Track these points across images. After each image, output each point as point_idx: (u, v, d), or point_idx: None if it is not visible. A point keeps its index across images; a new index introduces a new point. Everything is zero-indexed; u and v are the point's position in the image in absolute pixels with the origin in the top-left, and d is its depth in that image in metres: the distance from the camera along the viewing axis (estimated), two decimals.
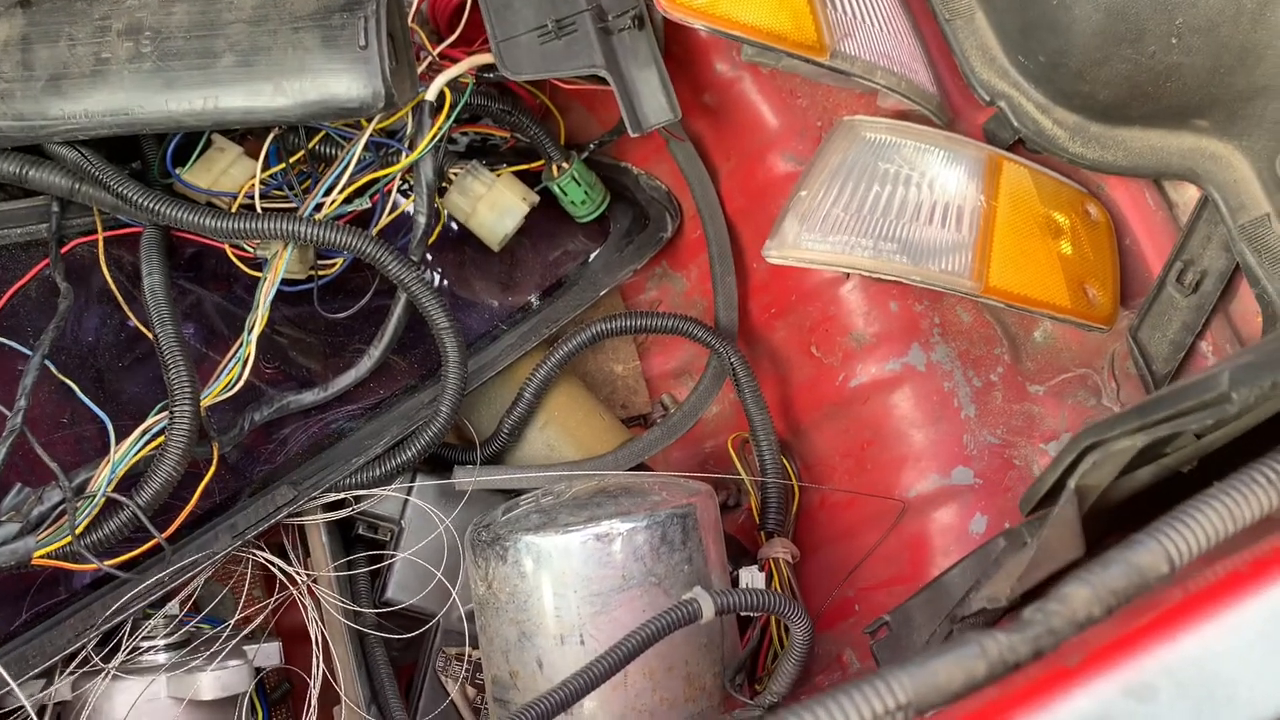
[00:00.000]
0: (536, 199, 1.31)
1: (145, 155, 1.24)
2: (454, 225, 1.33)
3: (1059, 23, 1.17)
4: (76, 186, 1.19)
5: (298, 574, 1.11)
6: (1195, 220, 1.23)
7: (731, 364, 1.27)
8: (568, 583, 1.01)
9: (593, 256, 1.37)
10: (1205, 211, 1.23)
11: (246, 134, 1.29)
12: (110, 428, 1.04)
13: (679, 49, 1.31)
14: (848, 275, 1.25)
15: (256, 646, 1.11)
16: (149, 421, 1.06)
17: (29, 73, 1.14)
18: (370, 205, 1.25)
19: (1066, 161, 1.24)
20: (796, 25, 1.13)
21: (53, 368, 1.07)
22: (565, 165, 1.33)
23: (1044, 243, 1.19)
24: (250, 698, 1.17)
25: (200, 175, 1.24)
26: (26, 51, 1.15)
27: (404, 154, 1.22)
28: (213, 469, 1.08)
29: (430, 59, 1.27)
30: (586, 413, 1.30)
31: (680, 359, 1.43)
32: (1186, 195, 1.27)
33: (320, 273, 1.24)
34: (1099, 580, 0.46)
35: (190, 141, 1.24)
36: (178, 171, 1.23)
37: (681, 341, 1.41)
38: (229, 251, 1.23)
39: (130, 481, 1.05)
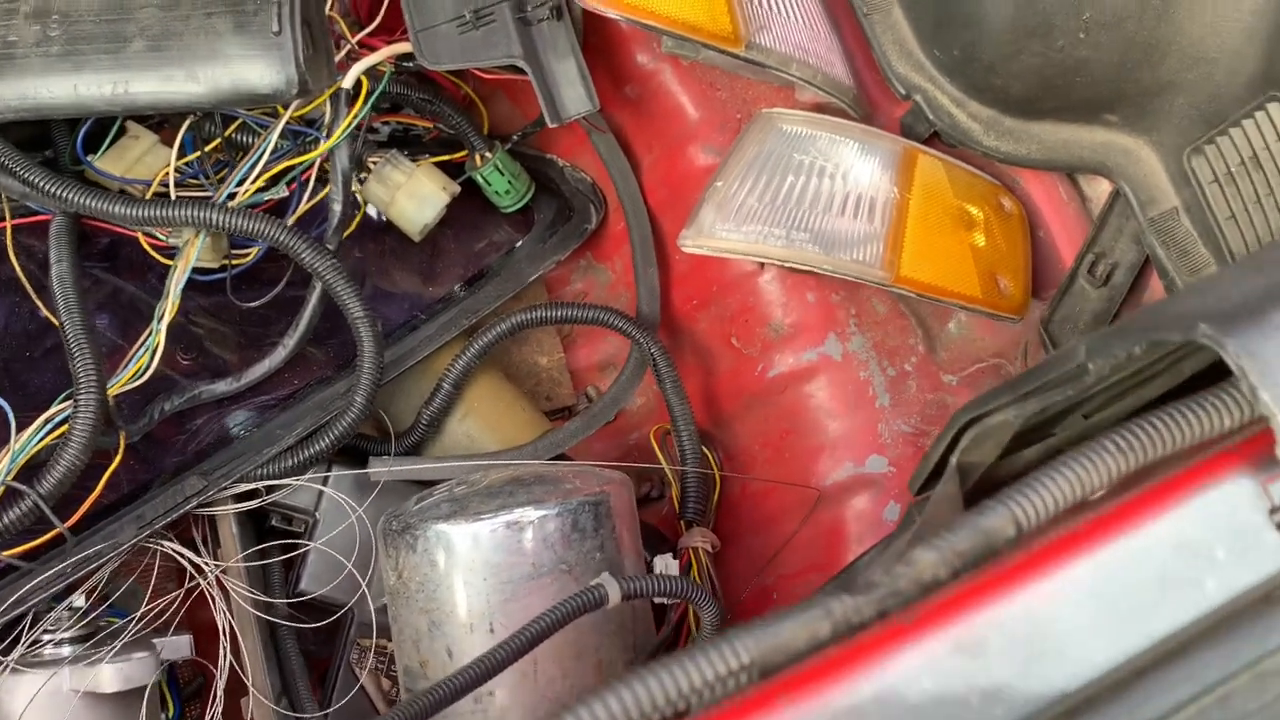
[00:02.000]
0: (457, 189, 1.30)
1: (57, 142, 1.22)
2: (375, 215, 1.32)
3: (971, 16, 1.19)
4: None
5: (206, 565, 1.09)
6: (1107, 213, 1.26)
7: (652, 354, 1.27)
8: (477, 571, 1.01)
9: (516, 247, 1.37)
10: (1117, 205, 1.25)
11: (163, 121, 1.28)
12: (10, 416, 1.02)
13: (599, 40, 1.32)
14: (763, 265, 1.26)
15: (165, 639, 1.09)
16: (52, 410, 1.04)
17: None
18: (288, 193, 1.25)
19: (981, 155, 1.26)
20: (711, 16, 1.14)
21: None
22: (488, 155, 1.32)
23: (956, 234, 1.20)
24: (161, 691, 1.16)
25: (113, 163, 1.22)
26: None
27: (321, 142, 1.21)
28: (118, 458, 1.06)
29: (349, 47, 1.26)
30: (507, 404, 1.30)
31: (605, 352, 1.43)
32: (1099, 189, 1.29)
33: (234, 262, 1.22)
34: (945, 544, 0.47)
35: (104, 129, 1.23)
36: (90, 158, 1.21)
37: (606, 334, 1.41)
38: (142, 240, 1.22)
39: (34, 471, 1.03)
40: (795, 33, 1.21)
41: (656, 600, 1.11)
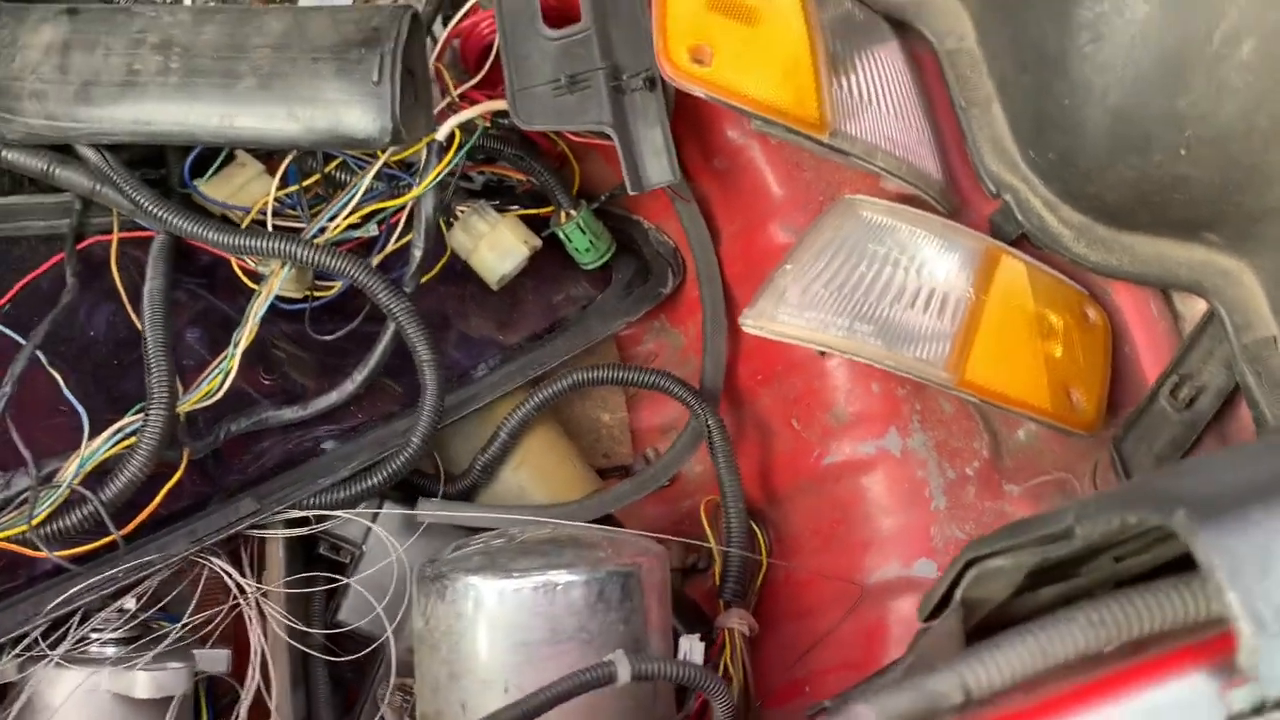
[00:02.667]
0: (538, 244, 1.33)
1: (169, 164, 1.29)
2: (459, 261, 1.35)
3: (1070, 122, 1.16)
4: (97, 187, 1.24)
5: (248, 586, 1.13)
6: (1198, 334, 1.21)
7: (708, 426, 1.27)
8: (499, 628, 1.02)
9: (592, 303, 1.38)
10: (1210, 327, 1.20)
11: (270, 153, 1.34)
12: (85, 422, 1.08)
13: (691, 113, 1.33)
14: (823, 353, 1.25)
15: (204, 651, 1.13)
16: (124, 421, 1.10)
17: (64, 76, 1.20)
18: (377, 233, 1.29)
19: (1069, 261, 1.23)
20: (799, 101, 1.14)
21: (43, 358, 1.11)
22: (573, 212, 1.35)
23: (1032, 342, 1.17)
24: (199, 701, 1.20)
25: (218, 188, 1.28)
26: (65, 56, 1.20)
27: (413, 187, 1.25)
28: (179, 473, 1.11)
29: (450, 99, 1.30)
30: (561, 459, 1.31)
31: (669, 414, 1.43)
32: (1194, 308, 1.24)
33: (316, 294, 1.27)
34: (886, 702, 0.45)
35: (214, 153, 1.29)
36: (196, 183, 1.28)
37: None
38: (234, 264, 1.27)
39: (100, 476, 1.08)
40: (884, 123, 1.20)
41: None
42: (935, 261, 1.17)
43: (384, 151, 1.24)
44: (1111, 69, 1.10)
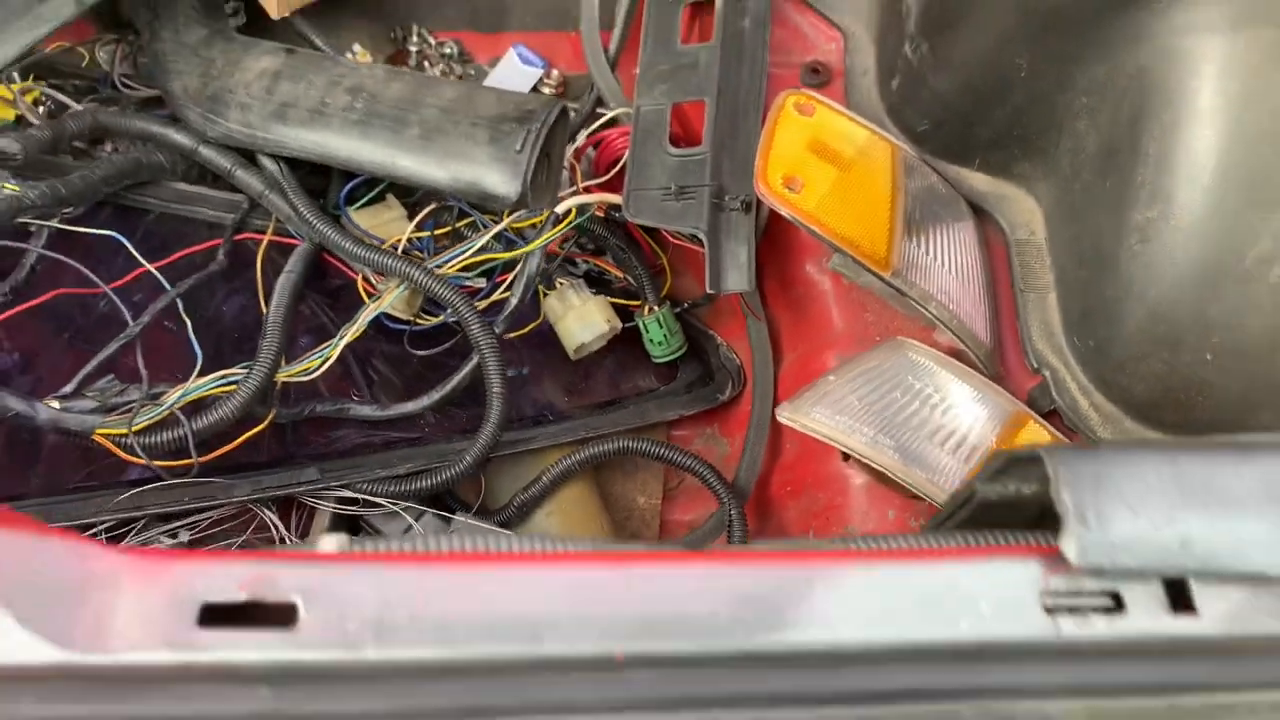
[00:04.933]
0: (619, 326, 1.48)
1: (329, 188, 1.50)
2: (548, 328, 1.52)
3: (1111, 313, 1.28)
4: (265, 193, 1.45)
5: (288, 541, 1.25)
6: None
7: (730, 514, 1.36)
8: None
9: (653, 392, 1.52)
10: None
11: (414, 201, 1.55)
12: (199, 362, 1.25)
13: (779, 245, 1.49)
14: (847, 458, 1.34)
15: None
16: (231, 370, 1.26)
17: (268, 97, 1.43)
18: (484, 285, 1.46)
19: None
20: (870, 240, 1.29)
21: (180, 305, 1.29)
22: (656, 308, 1.50)
23: None
24: None
25: (364, 218, 1.49)
26: (274, 82, 1.44)
27: (523, 247, 1.43)
28: (262, 426, 1.26)
29: (575, 189, 1.49)
30: (590, 518, 1.42)
31: (700, 513, 1.53)
32: None
33: (419, 320, 1.44)
34: None
35: (367, 189, 1.50)
36: (348, 208, 1.48)
37: (707, 497, 1.51)
38: (360, 284, 1.46)
39: (198, 411, 1.24)
40: (945, 282, 1.34)
41: None
42: (965, 408, 1.28)
43: (509, 214, 1.43)
44: (1154, 268, 1.22)
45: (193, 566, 0.53)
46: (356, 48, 1.71)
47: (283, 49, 1.49)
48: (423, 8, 1.73)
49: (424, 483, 1.31)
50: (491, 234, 1.44)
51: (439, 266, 1.43)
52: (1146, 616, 0.55)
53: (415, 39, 1.75)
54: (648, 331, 1.51)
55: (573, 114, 1.55)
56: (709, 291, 1.36)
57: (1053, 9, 1.25)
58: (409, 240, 1.47)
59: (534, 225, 1.45)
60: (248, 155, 1.46)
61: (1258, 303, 1.16)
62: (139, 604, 0.51)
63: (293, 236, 1.47)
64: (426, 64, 1.74)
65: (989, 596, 0.54)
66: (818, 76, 1.56)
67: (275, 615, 0.52)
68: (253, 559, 0.53)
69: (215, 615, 0.52)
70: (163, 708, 0.49)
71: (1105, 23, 1.24)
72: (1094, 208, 1.32)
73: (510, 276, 1.46)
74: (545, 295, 1.50)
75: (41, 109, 1.49)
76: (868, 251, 1.28)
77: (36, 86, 1.51)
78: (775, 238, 1.48)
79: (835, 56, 1.58)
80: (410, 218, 1.50)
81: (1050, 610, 0.55)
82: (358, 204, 1.50)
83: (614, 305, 1.51)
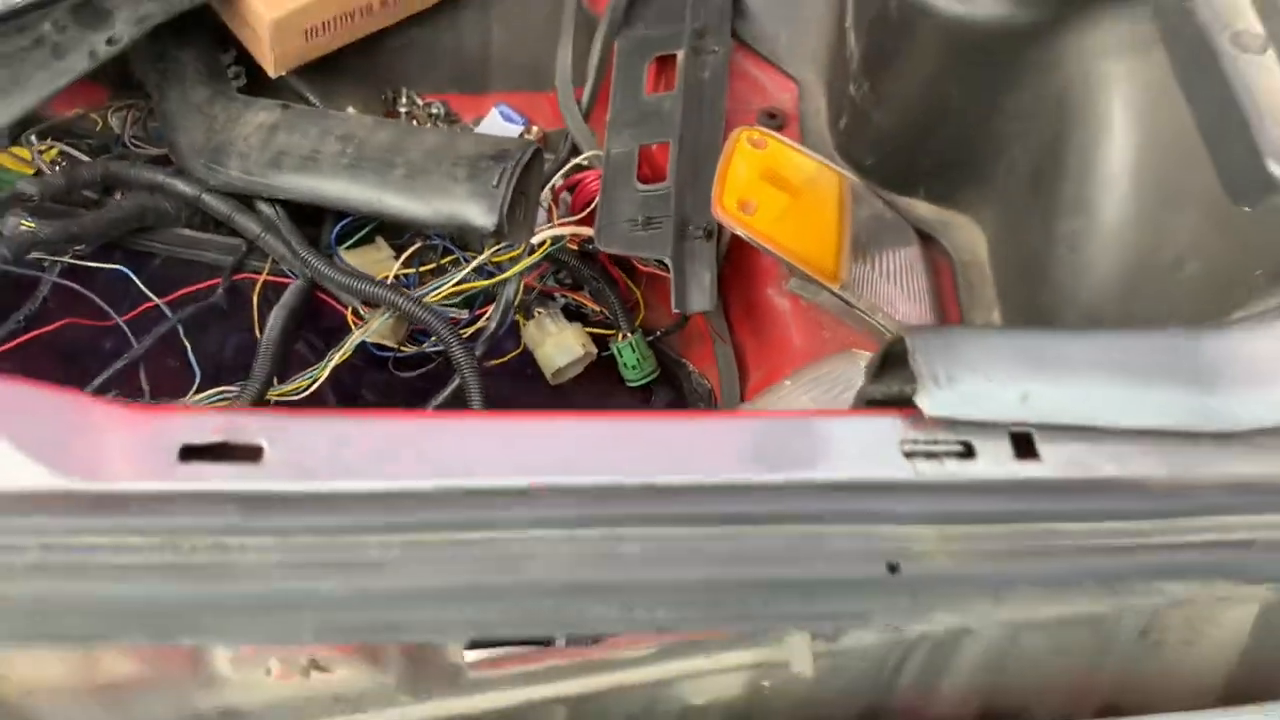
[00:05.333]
0: (595, 351, 1.58)
1: (322, 230, 1.62)
2: (529, 357, 1.61)
3: (1048, 321, 1.37)
4: (262, 234, 1.56)
5: None
6: None
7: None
8: None
9: None
10: None
11: (404, 246, 1.66)
12: (197, 379, 1.34)
13: (743, 275, 1.59)
14: None
15: None
16: (226, 387, 1.36)
17: (265, 147, 1.56)
18: (467, 314, 1.57)
19: None
20: (819, 254, 1.39)
21: (181, 330, 1.40)
22: (629, 335, 1.60)
23: None
24: None
25: (354, 257, 1.60)
26: (271, 133, 1.57)
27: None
28: None
29: (551, 224, 1.61)
30: None
31: None
32: None
33: (404, 349, 1.54)
34: None
35: (357, 230, 1.62)
36: (338, 248, 1.60)
37: None
38: (349, 317, 1.56)
39: None
40: (893, 296, 1.44)
41: None
42: None
43: (489, 247, 1.54)
44: (1082, 274, 1.32)
45: (174, 416, 0.62)
46: (350, 109, 1.84)
47: (279, 105, 1.62)
48: (411, 71, 1.86)
49: None
50: (473, 266, 1.55)
51: (423, 296, 1.53)
52: (995, 462, 0.63)
53: (405, 100, 1.88)
54: (621, 356, 1.60)
55: (550, 161, 1.67)
56: (675, 311, 1.46)
57: (975, 44, 1.37)
58: (396, 276, 1.58)
59: (512, 258, 1.56)
60: (246, 201, 1.58)
61: (1174, 298, 1.26)
62: (128, 444, 0.60)
63: (287, 275, 1.58)
64: (415, 123, 1.87)
65: (856, 443, 0.63)
66: (774, 121, 1.68)
67: (244, 454, 0.61)
68: (225, 412, 0.62)
69: (193, 453, 0.61)
70: (148, 522, 0.58)
71: (1024, 53, 1.36)
72: (1028, 224, 1.43)
73: (490, 308, 1.56)
74: (525, 324, 1.59)
75: (58, 167, 1.62)
76: (817, 266, 1.39)
77: (55, 145, 1.64)
78: (738, 265, 1.58)
79: (790, 104, 1.71)
80: (397, 258, 1.62)
81: (909, 455, 0.63)
82: (347, 244, 1.61)
83: (590, 334, 1.61)
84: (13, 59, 1.39)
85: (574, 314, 1.67)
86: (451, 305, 1.56)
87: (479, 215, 1.47)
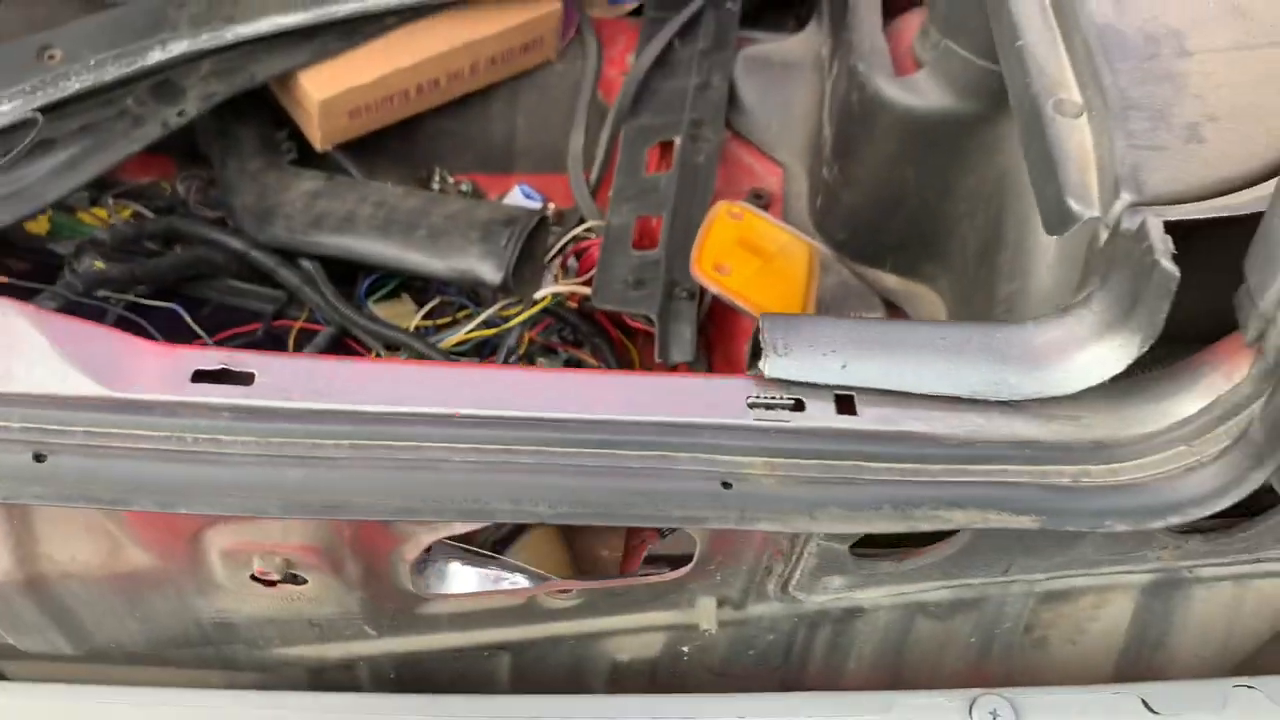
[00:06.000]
0: None
1: (355, 290, 1.83)
2: None
3: None
4: (302, 286, 1.78)
5: None
6: None
7: None
8: None
9: None
10: None
11: (425, 297, 1.86)
12: None
13: (725, 334, 1.77)
14: None
15: None
16: None
17: (309, 210, 1.79)
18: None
19: None
20: (785, 309, 1.56)
21: None
22: None
23: None
24: None
25: (381, 309, 1.81)
26: (314, 199, 1.80)
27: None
28: None
29: (553, 282, 1.80)
30: (556, 566, 1.65)
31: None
32: None
33: None
34: None
35: (383, 284, 1.83)
36: (367, 300, 1.81)
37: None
38: (371, 358, 1.76)
39: None
40: None
41: None
42: None
43: (496, 300, 1.73)
44: None
45: (191, 350, 0.81)
46: (388, 184, 2.08)
47: (323, 175, 1.85)
48: (444, 153, 2.09)
49: None
50: (482, 318, 1.74)
51: (438, 342, 1.73)
52: (819, 415, 0.79)
53: (438, 179, 2.11)
54: None
55: (558, 232, 1.88)
56: (658, 361, 1.63)
57: (925, 132, 1.56)
58: (417, 326, 1.78)
59: (517, 312, 1.75)
60: (289, 258, 1.80)
61: None
62: (155, 368, 0.78)
63: (319, 323, 1.79)
64: None
65: (712, 396, 0.79)
66: (760, 200, 1.88)
67: (240, 378, 0.80)
68: (229, 352, 0.81)
69: (202, 375, 0.79)
70: (164, 421, 0.76)
71: (969, 139, 1.55)
72: (977, 292, 1.59)
73: (497, 356, 1.75)
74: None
75: (128, 222, 1.85)
76: None
77: (129, 206, 1.89)
78: (720, 324, 1.75)
79: (777, 186, 1.91)
80: (419, 310, 1.82)
81: (751, 406, 0.79)
82: (375, 297, 1.82)
83: None
84: (100, 128, 1.63)
85: (572, 364, 1.85)
86: (461, 353, 1.74)
87: (488, 272, 1.67)
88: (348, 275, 1.84)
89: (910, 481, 0.80)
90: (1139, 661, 1.11)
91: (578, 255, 1.89)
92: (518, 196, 2.12)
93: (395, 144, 2.02)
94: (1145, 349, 0.82)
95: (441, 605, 0.94)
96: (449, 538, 0.85)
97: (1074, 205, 0.89)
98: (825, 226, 1.80)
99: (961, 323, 0.87)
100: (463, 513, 0.77)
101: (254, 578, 0.85)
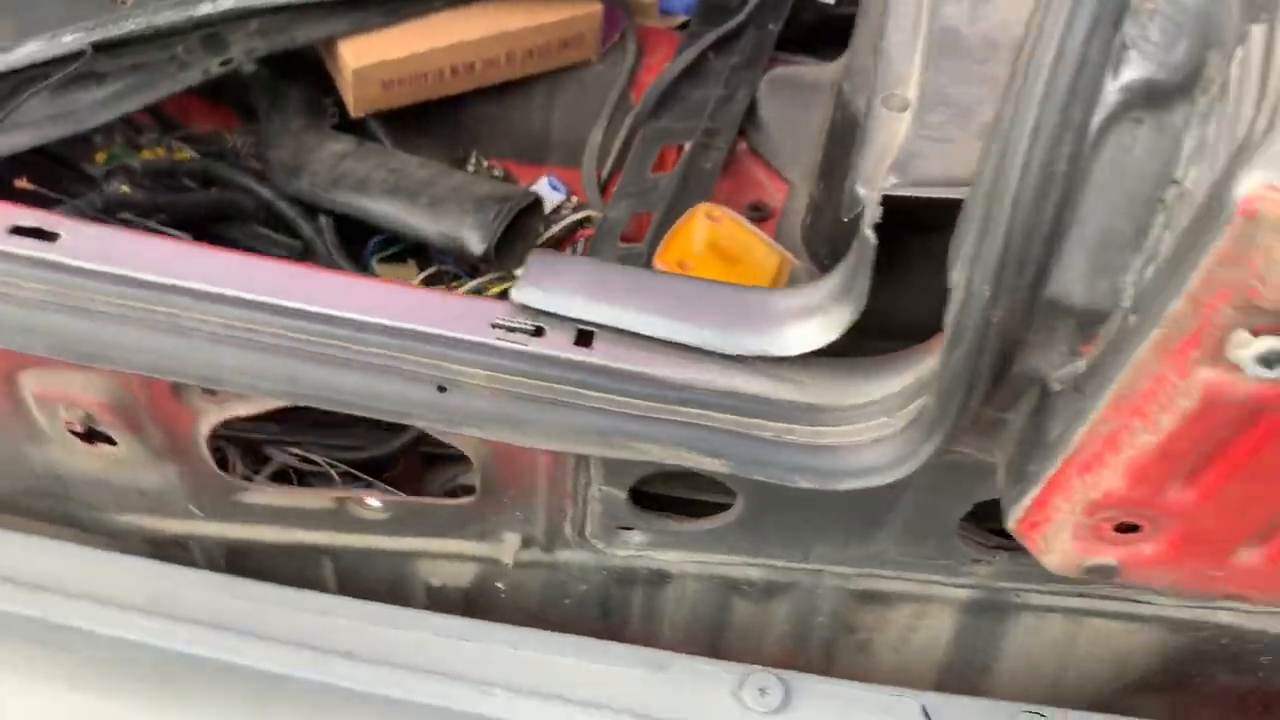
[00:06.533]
0: None
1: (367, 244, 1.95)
2: None
3: None
4: (314, 238, 1.91)
5: None
6: None
7: None
8: None
9: None
10: None
11: (427, 261, 1.96)
12: None
13: None
14: None
15: None
16: None
17: (332, 170, 1.92)
18: None
19: None
20: None
21: None
22: None
23: None
24: None
25: (386, 270, 1.92)
26: (340, 160, 1.93)
27: None
28: None
29: None
30: None
31: None
32: None
33: None
34: None
35: (390, 246, 1.94)
36: (373, 259, 1.92)
37: None
38: None
39: None
40: None
41: None
42: None
43: (480, 271, 1.82)
44: None
45: (12, 208, 0.93)
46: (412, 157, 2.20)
47: (355, 140, 1.98)
48: (482, 137, 2.20)
49: None
50: (469, 287, 1.83)
51: None
52: (556, 344, 0.84)
53: (473, 161, 2.22)
54: None
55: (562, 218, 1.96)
56: None
57: None
58: None
59: (504, 286, 1.84)
60: (311, 211, 1.93)
61: None
62: None
63: None
64: None
65: (459, 313, 0.84)
66: (758, 212, 1.91)
67: (48, 236, 0.90)
68: (45, 213, 0.92)
69: (18, 230, 0.91)
70: None
71: None
72: None
73: None
74: None
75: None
76: None
77: (187, 149, 2.06)
78: None
79: (780, 201, 1.94)
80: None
81: (494, 326, 0.85)
82: (381, 256, 1.93)
83: None
84: (148, 68, 1.80)
85: None
86: None
87: (474, 242, 1.76)
88: (363, 236, 1.96)
89: (616, 412, 0.84)
90: (963, 681, 1.09)
91: (585, 242, 1.97)
92: (544, 186, 2.21)
93: (438, 122, 2.14)
94: (856, 318, 0.85)
95: (259, 496, 1.02)
96: (244, 418, 0.93)
97: (860, 190, 0.91)
98: (811, 244, 1.82)
99: (721, 282, 0.91)
100: (198, 378, 0.85)
101: (71, 432, 0.95)
